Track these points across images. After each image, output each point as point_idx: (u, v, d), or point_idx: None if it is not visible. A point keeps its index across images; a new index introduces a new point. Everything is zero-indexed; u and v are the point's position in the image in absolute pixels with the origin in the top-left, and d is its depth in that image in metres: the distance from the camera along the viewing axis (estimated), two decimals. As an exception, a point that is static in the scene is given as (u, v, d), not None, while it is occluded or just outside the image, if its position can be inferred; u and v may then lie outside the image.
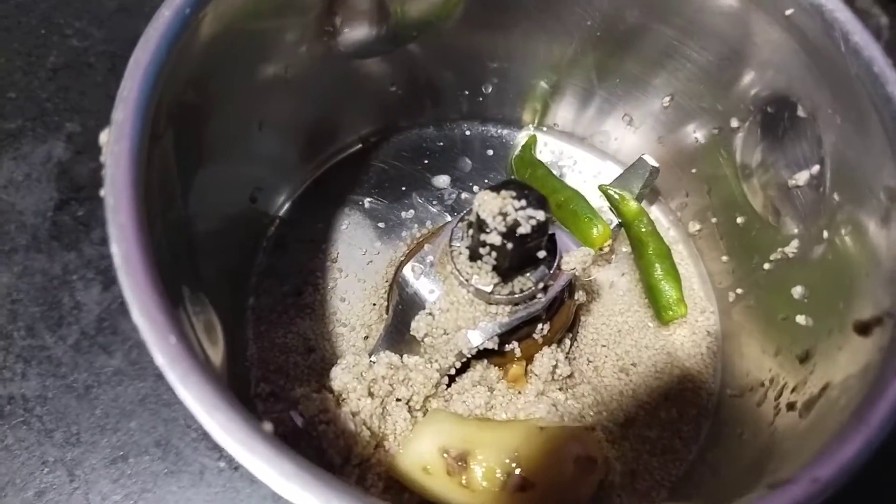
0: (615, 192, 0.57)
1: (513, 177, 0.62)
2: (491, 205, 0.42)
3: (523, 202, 0.42)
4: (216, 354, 0.39)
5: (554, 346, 0.52)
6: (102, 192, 0.33)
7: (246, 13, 0.42)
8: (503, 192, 0.42)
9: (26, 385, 0.57)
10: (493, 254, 0.44)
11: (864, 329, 0.38)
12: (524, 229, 0.41)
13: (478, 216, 0.42)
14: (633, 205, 0.57)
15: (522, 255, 0.44)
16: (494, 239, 0.42)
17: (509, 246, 0.42)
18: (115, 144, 0.34)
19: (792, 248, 0.47)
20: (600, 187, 0.58)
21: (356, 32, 0.51)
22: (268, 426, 0.30)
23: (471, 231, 0.44)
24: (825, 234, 0.44)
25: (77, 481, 0.54)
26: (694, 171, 0.57)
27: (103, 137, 0.35)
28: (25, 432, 0.55)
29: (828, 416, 0.36)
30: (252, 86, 0.47)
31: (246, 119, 0.49)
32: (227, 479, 0.54)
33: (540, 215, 0.42)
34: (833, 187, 0.44)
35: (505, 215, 0.41)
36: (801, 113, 0.45)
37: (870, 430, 0.31)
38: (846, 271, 0.42)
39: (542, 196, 0.43)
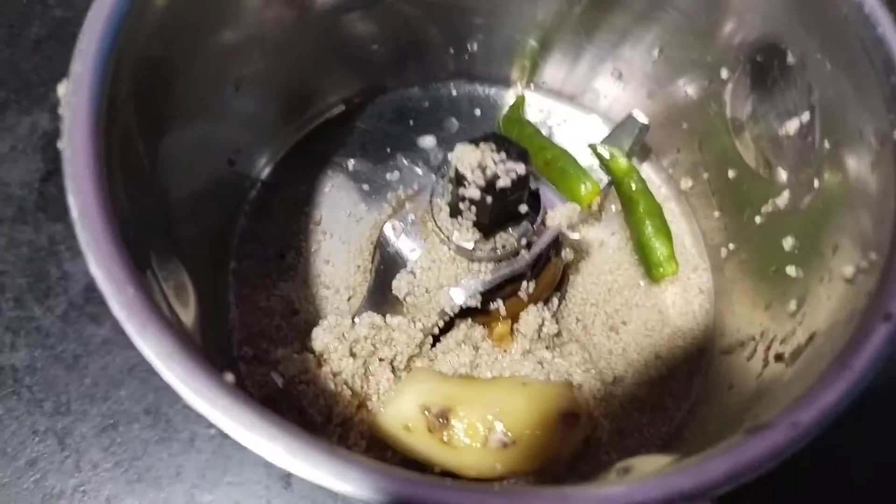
0: (605, 150, 0.56)
1: (501, 135, 0.61)
2: (469, 158, 0.41)
3: (503, 155, 0.41)
4: (187, 315, 0.39)
5: (540, 304, 0.51)
6: (59, 144, 0.33)
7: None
8: (482, 145, 0.41)
9: (15, 356, 0.57)
10: (473, 209, 0.43)
11: (852, 276, 0.36)
12: (504, 182, 0.40)
13: (456, 170, 0.41)
14: (622, 162, 0.55)
15: (503, 209, 0.43)
16: (473, 193, 0.41)
17: (489, 200, 0.41)
18: (73, 96, 0.33)
19: (783, 199, 0.46)
20: (590, 145, 0.57)
21: (332, -13, 0.50)
22: (230, 377, 0.30)
23: (451, 186, 0.43)
24: (815, 182, 0.43)
25: (68, 450, 0.54)
26: (685, 126, 0.55)
27: (61, 90, 0.34)
28: (15, 402, 0.55)
29: (813, 364, 0.35)
30: (225, 44, 0.46)
31: (220, 78, 0.48)
32: (218, 446, 0.54)
33: (520, 168, 0.41)
34: (823, 134, 0.42)
35: (484, 168, 0.40)
36: (790, 60, 0.44)
37: (853, 375, 0.30)
38: (835, 219, 0.40)
39: (522, 149, 0.42)
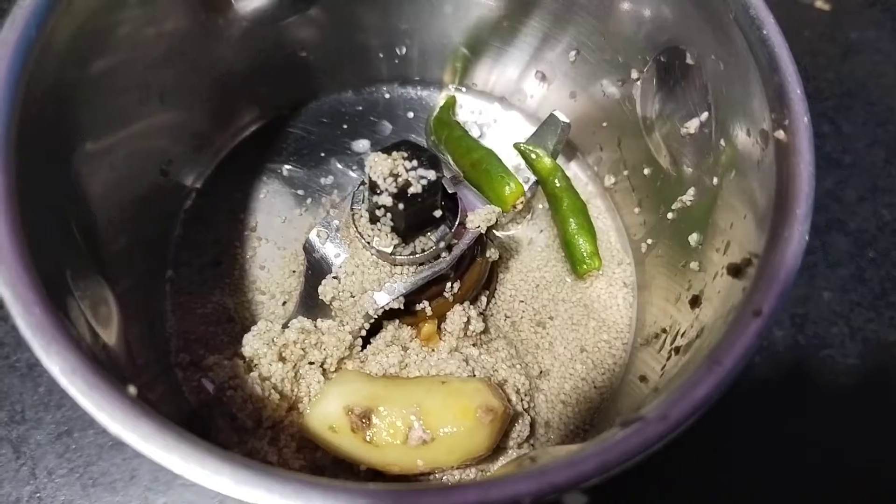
0: (530, 150, 0.58)
1: (431, 137, 0.62)
2: (381, 166, 0.42)
3: (414, 162, 0.42)
4: (108, 330, 0.40)
5: (467, 303, 0.52)
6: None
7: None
8: (394, 154, 0.43)
9: (-31, 367, 0.57)
10: (389, 215, 0.44)
11: (736, 271, 0.38)
12: (415, 189, 0.42)
13: (370, 178, 0.43)
14: (547, 161, 0.57)
15: (418, 215, 0.45)
16: (386, 200, 0.43)
17: (401, 206, 0.43)
18: (-17, 124, 0.34)
19: (689, 197, 0.48)
20: (515, 145, 0.59)
21: (252, 1, 0.51)
22: (132, 390, 0.31)
23: (368, 194, 0.45)
24: (714, 180, 0.45)
25: (23, 457, 0.55)
26: (605, 125, 0.57)
27: (-29, 118, 0.35)
28: (-31, 412, 0.56)
29: (694, 357, 0.37)
30: (140, 61, 0.47)
31: (141, 94, 0.49)
32: (170, 450, 0.55)
33: (431, 175, 0.42)
34: (718, 133, 0.44)
35: (396, 176, 0.42)
36: (689, 60, 0.46)
37: (722, 371, 0.32)
38: (730, 216, 0.42)
39: (434, 156, 0.43)
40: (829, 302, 0.66)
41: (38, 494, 0.54)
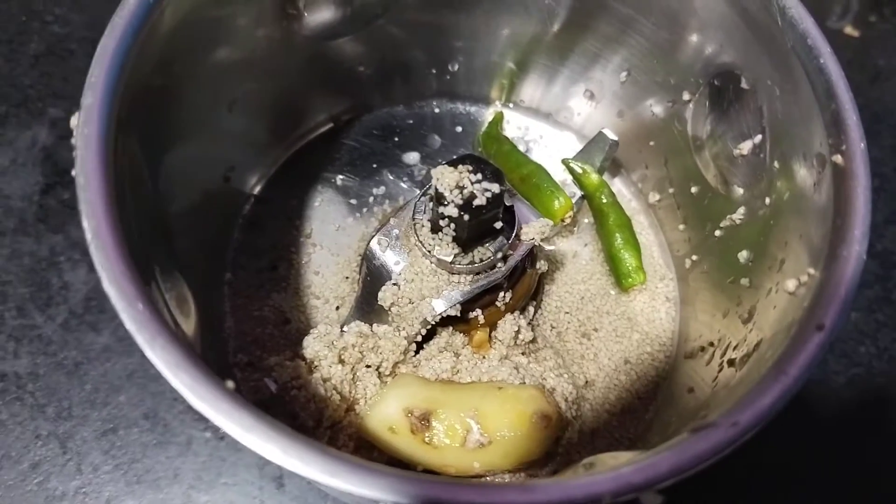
0: (577, 166, 0.60)
1: (479, 151, 0.64)
2: (448, 178, 0.44)
3: (479, 176, 0.44)
4: (188, 325, 0.42)
5: (517, 313, 0.54)
6: (74, 172, 0.36)
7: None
8: (460, 167, 0.44)
9: (18, 363, 0.59)
10: (452, 225, 0.46)
11: (794, 288, 0.40)
12: (480, 201, 0.44)
13: (436, 190, 0.45)
14: (594, 177, 0.59)
15: (480, 226, 0.47)
16: (452, 211, 0.44)
17: (466, 217, 0.45)
18: (85, 127, 0.36)
19: (739, 215, 0.49)
20: (563, 161, 0.61)
21: (320, 15, 0.53)
22: (230, 384, 0.33)
23: (431, 205, 0.47)
24: (767, 200, 0.46)
25: (69, 453, 0.56)
26: (652, 143, 0.59)
27: (73, 121, 0.37)
28: (19, 408, 0.58)
29: (756, 369, 0.39)
30: (219, 68, 0.49)
31: (215, 101, 0.51)
32: (214, 449, 0.57)
33: (495, 188, 0.44)
34: (773, 155, 0.46)
35: (462, 188, 0.44)
36: (744, 85, 0.47)
37: (788, 380, 0.34)
38: (783, 235, 0.44)
39: (497, 169, 0.45)
40: (855, 322, 0.67)
41: (83, 489, 0.56)
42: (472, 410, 0.46)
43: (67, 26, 0.75)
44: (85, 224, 0.34)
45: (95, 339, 0.60)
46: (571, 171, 0.60)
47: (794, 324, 0.37)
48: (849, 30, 0.86)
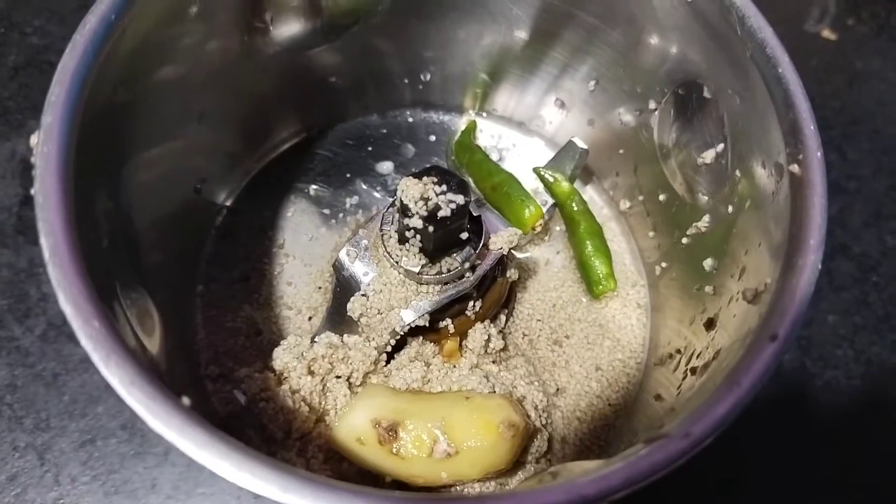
0: (548, 174, 0.60)
1: (452, 159, 0.64)
2: (413, 190, 0.44)
3: (444, 187, 0.44)
4: (152, 340, 0.42)
5: (487, 321, 0.54)
6: (32, 191, 0.36)
7: (170, 15, 0.44)
8: (425, 179, 0.45)
9: (-5, 375, 0.59)
10: (418, 236, 0.46)
11: (753, 297, 0.40)
12: (445, 212, 0.44)
13: (401, 201, 0.45)
14: (565, 185, 0.59)
15: (446, 237, 0.47)
16: (417, 223, 0.45)
17: (431, 228, 0.45)
18: (44, 146, 0.37)
19: (704, 223, 0.50)
20: (534, 169, 0.61)
21: (288, 27, 0.54)
22: (185, 400, 0.33)
23: (398, 216, 0.47)
24: (729, 208, 0.47)
25: (47, 464, 0.56)
26: (621, 151, 0.59)
27: (33, 140, 0.37)
28: (-3, 420, 0.57)
29: (712, 378, 0.39)
30: (186, 83, 0.49)
31: (183, 115, 0.51)
32: (191, 460, 0.56)
33: (459, 199, 0.44)
34: (734, 164, 0.46)
35: (427, 200, 0.44)
36: (706, 94, 0.48)
37: (740, 391, 0.34)
38: (744, 243, 0.44)
39: (462, 181, 0.45)
40: (833, 325, 0.68)
41: (61, 501, 0.56)
42: (440, 420, 0.46)
43: (46, 38, 0.75)
44: (43, 242, 0.35)
45: (74, 351, 0.60)
46: (542, 179, 0.60)
47: (748, 333, 0.37)
48: (826, 33, 0.87)
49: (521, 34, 0.58)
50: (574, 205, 0.59)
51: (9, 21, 0.76)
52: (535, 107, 0.64)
